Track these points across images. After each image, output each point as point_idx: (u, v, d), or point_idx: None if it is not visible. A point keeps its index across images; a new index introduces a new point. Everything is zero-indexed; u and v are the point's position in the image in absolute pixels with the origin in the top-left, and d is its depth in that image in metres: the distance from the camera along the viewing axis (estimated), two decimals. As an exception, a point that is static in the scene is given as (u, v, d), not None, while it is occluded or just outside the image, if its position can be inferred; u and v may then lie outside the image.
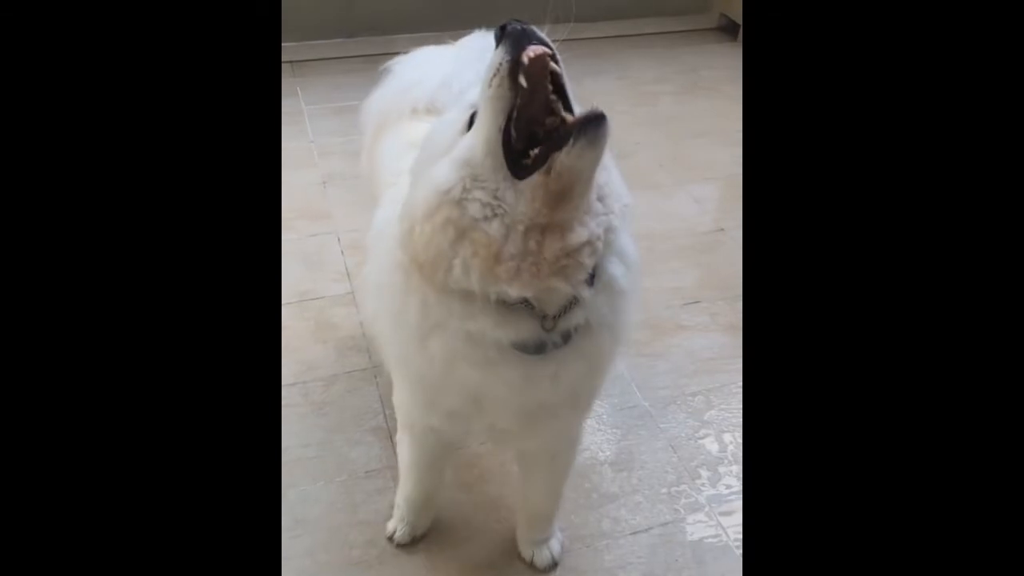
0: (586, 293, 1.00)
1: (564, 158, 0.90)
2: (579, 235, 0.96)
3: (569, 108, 0.95)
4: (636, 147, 3.27)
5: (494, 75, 0.93)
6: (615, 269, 1.06)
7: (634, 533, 1.72)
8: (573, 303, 1.02)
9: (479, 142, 0.95)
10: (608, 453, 1.92)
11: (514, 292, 0.97)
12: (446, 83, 1.53)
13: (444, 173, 0.96)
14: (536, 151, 0.92)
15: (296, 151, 3.10)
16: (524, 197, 0.93)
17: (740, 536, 1.72)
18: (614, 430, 1.98)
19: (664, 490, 1.83)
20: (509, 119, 0.93)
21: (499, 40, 0.93)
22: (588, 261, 0.98)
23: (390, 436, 1.90)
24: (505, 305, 1.00)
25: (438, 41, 1.78)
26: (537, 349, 1.06)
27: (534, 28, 0.93)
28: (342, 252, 2.56)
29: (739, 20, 4.34)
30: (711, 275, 2.56)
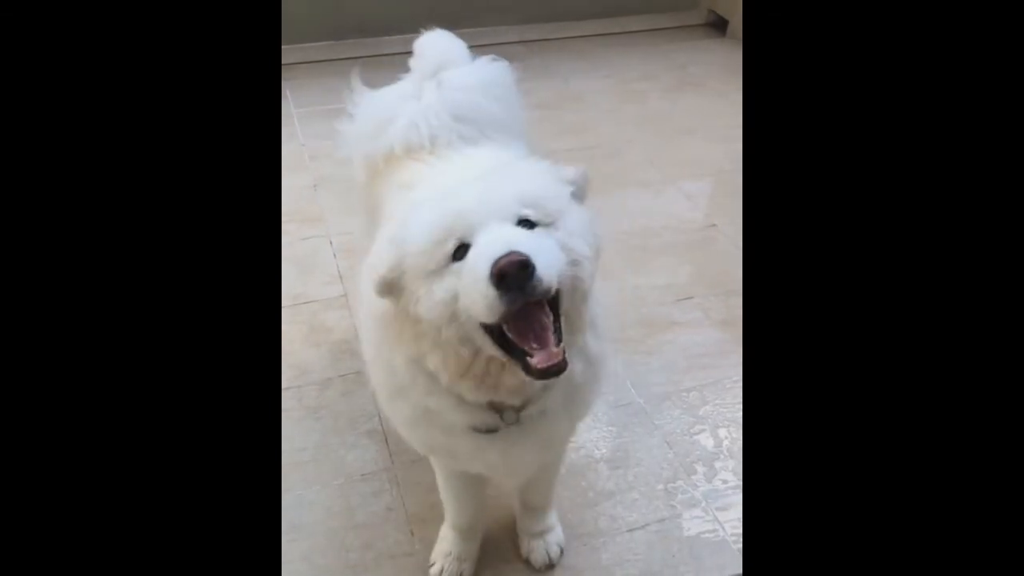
0: (537, 401, 1.11)
1: (520, 373, 0.98)
2: None
3: (557, 313, 0.99)
4: (626, 145, 3.27)
5: (485, 302, 0.92)
6: (574, 367, 1.06)
7: (631, 530, 1.73)
8: (527, 403, 1.11)
9: (464, 305, 0.96)
10: (604, 451, 1.92)
11: (471, 398, 1.07)
12: (413, 125, 1.49)
13: (429, 306, 0.98)
14: (508, 344, 0.97)
15: (287, 155, 3.09)
16: (489, 343, 0.99)
17: (737, 531, 1.72)
18: (609, 427, 1.98)
19: (660, 486, 1.83)
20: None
21: (497, 285, 0.90)
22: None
23: (385, 439, 1.90)
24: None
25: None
26: (489, 430, 1.15)
27: (535, 283, 0.90)
28: (334, 255, 2.56)
29: (727, 16, 4.35)
30: (703, 271, 2.56)
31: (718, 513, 1.77)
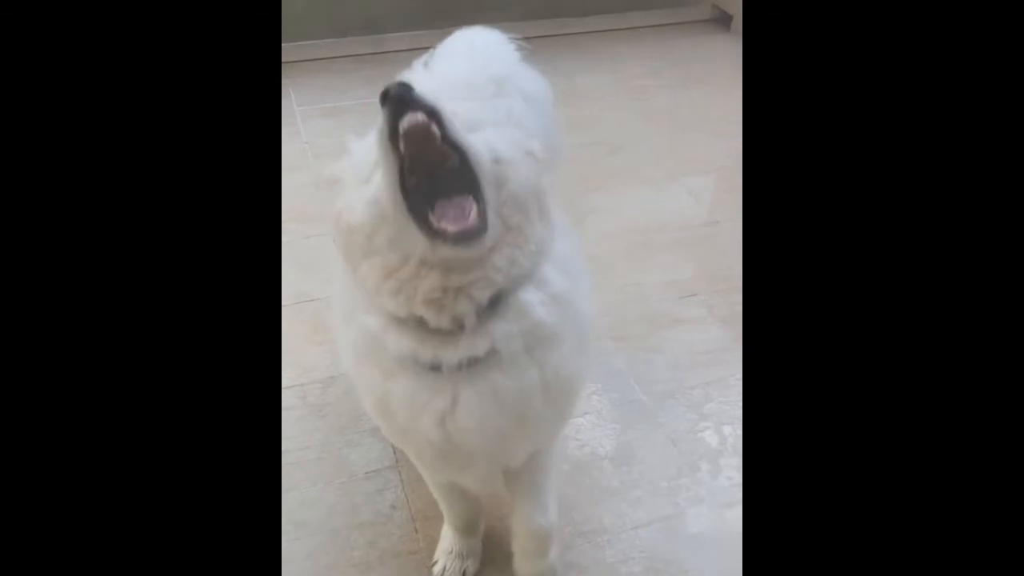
0: (470, 322, 1.03)
1: (440, 250, 0.98)
2: (457, 280, 1.00)
3: (464, 155, 1.00)
4: (629, 141, 3.26)
5: (379, 139, 0.98)
6: (528, 296, 1.06)
7: (635, 528, 1.72)
8: (459, 330, 1.05)
9: (383, 190, 1.01)
10: (608, 448, 1.91)
11: (391, 307, 1.04)
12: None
13: (360, 209, 1.05)
14: (432, 222, 0.98)
15: (289, 153, 3.08)
16: (422, 241, 0.99)
17: (740, 528, 1.72)
18: (613, 425, 1.98)
19: (664, 484, 1.83)
20: (403, 172, 0.99)
21: (382, 103, 0.95)
22: (478, 294, 1.02)
23: (389, 436, 1.90)
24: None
25: (431, 39, 1.78)
26: (431, 367, 1.08)
27: (416, 93, 0.96)
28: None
29: (731, 11, 4.33)
30: (707, 268, 2.56)
31: (722, 511, 1.76)
